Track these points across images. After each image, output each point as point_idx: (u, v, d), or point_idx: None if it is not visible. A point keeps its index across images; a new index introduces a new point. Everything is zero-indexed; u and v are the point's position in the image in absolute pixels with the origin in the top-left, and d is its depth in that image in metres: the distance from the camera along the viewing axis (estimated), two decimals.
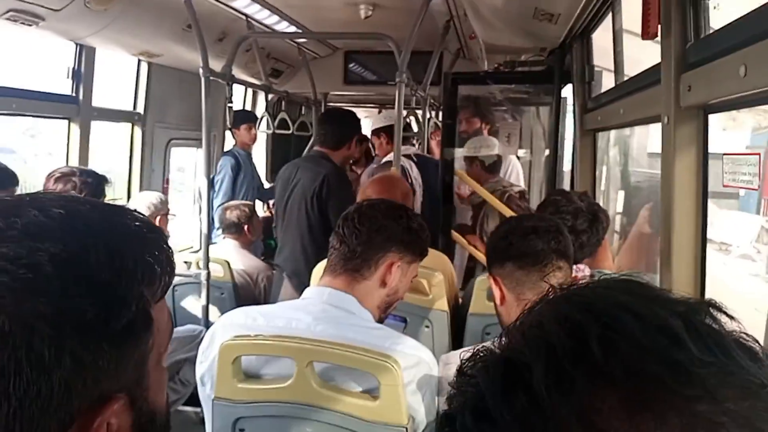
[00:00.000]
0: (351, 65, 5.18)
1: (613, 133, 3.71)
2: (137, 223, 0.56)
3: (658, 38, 1.51)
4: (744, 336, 0.40)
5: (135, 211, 0.58)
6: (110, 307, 0.50)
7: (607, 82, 2.70)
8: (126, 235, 0.54)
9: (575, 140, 2.87)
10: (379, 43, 4.69)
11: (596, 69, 2.78)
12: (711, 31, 1.31)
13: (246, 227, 3.33)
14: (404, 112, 3.22)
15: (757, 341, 0.40)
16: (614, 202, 3.82)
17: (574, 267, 2.03)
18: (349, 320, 1.39)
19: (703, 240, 1.42)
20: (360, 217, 1.48)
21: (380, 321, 1.50)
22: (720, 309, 0.41)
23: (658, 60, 1.77)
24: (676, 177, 1.44)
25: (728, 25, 1.18)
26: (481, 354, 0.43)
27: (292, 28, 4.09)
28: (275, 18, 3.87)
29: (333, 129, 3.03)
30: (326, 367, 1.31)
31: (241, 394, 1.30)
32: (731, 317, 0.41)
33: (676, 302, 0.41)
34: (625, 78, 2.17)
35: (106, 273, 0.50)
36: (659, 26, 1.47)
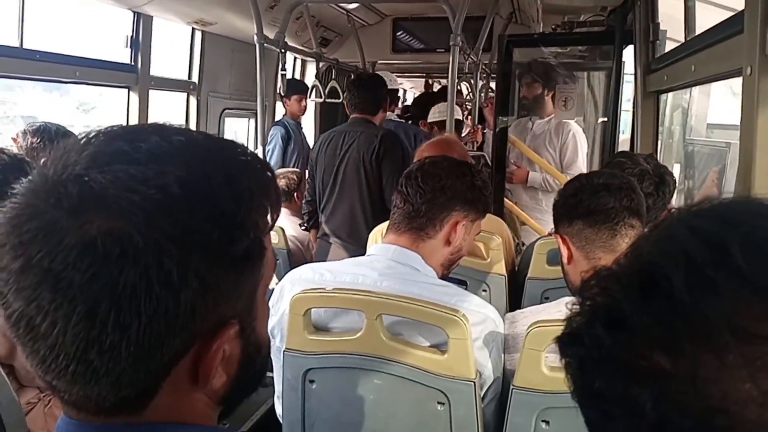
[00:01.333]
0: (398, 33, 5.12)
1: (670, 101, 3.57)
2: (249, 157, 0.57)
3: None
4: None
5: (244, 145, 0.59)
6: (232, 232, 0.51)
7: (668, 45, 2.59)
8: (241, 166, 0.55)
9: (636, 103, 2.76)
10: (427, 8, 4.63)
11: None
12: None
13: (295, 194, 3.36)
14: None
15: None
16: (674, 170, 3.70)
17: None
18: (414, 276, 1.39)
19: None
20: (423, 175, 1.47)
21: (443, 278, 1.50)
22: None
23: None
24: (758, 133, 1.36)
25: None
26: (605, 273, 0.41)
27: None
28: None
29: (369, 94, 3.03)
30: (394, 321, 1.32)
31: (311, 346, 1.32)
32: None
33: None
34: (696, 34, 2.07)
35: (227, 199, 0.51)
36: None
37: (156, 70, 3.44)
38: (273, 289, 1.46)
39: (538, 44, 3.45)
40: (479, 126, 4.71)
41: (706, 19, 2.01)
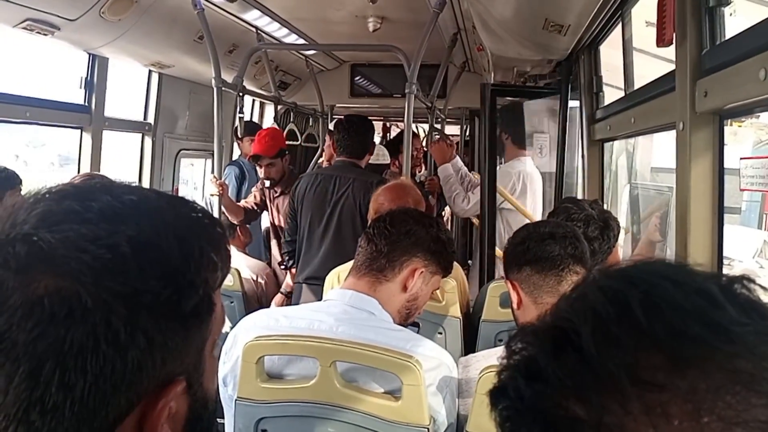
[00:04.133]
0: (357, 78, 5.23)
1: (616, 147, 3.74)
2: (199, 214, 0.58)
3: (672, 47, 1.53)
4: None
5: (194, 202, 0.60)
6: (181, 290, 0.51)
7: (610, 94, 2.74)
8: (192, 224, 0.56)
9: (582, 151, 2.90)
10: (384, 56, 4.77)
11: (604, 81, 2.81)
12: (728, 37, 1.34)
13: (237, 229, 3.36)
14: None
15: None
16: (620, 214, 3.84)
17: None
18: (370, 322, 1.40)
19: (720, 246, 1.43)
20: (392, 219, 1.51)
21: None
22: (754, 281, 0.43)
23: (660, 73, 1.81)
24: (692, 184, 1.45)
25: (748, 29, 1.20)
26: (527, 329, 0.44)
27: (302, 41, 4.14)
28: (285, 31, 3.92)
29: (359, 138, 3.03)
30: (348, 367, 1.32)
31: (263, 394, 1.31)
32: (765, 289, 0.43)
33: (711, 274, 0.43)
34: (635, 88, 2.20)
35: (177, 258, 0.52)
36: (674, 34, 1.50)
37: (111, 110, 3.41)
38: (227, 334, 1.45)
39: (517, 95, 3.59)
40: (435, 176, 4.81)
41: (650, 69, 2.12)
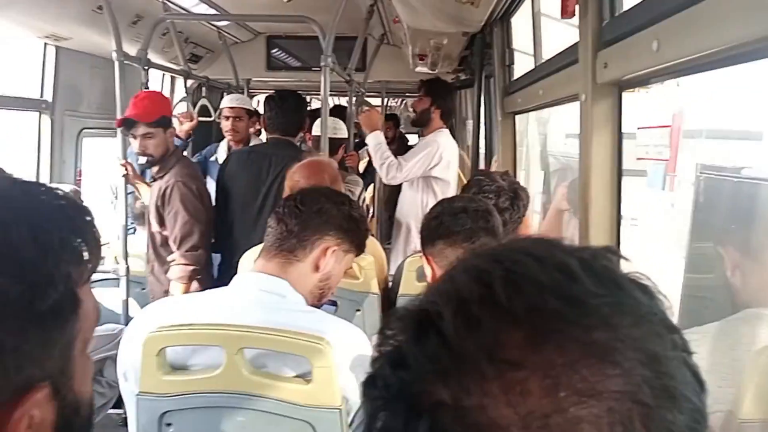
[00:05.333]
0: (274, 51, 5.06)
1: (533, 115, 3.82)
2: (61, 201, 0.52)
3: (576, 18, 1.55)
4: (638, 274, 0.43)
5: (57, 188, 0.54)
6: (35, 286, 0.46)
7: (527, 65, 2.78)
8: (50, 212, 0.51)
9: (496, 123, 2.94)
10: (301, 27, 4.62)
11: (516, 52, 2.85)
12: (625, 9, 1.36)
13: None
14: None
15: (650, 279, 0.43)
16: (535, 182, 3.95)
17: None
18: (280, 304, 1.36)
19: (618, 213, 1.48)
20: (302, 197, 1.47)
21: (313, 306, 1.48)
22: (616, 253, 0.44)
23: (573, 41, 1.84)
24: (593, 153, 1.49)
25: (643, 2, 1.22)
26: (397, 313, 0.43)
27: (213, 11, 3.94)
28: (194, 0, 3.72)
29: (293, 115, 2.93)
30: (258, 353, 1.28)
31: (167, 387, 1.24)
32: (626, 259, 0.45)
33: (575, 248, 0.43)
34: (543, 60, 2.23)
35: (30, 250, 0.47)
36: (577, 6, 1.51)
37: (2, 88, 3.13)
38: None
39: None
40: (354, 152, 4.76)
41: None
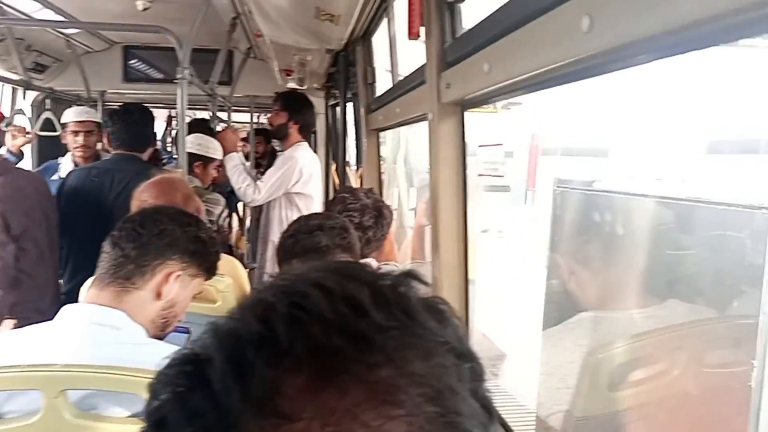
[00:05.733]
0: (132, 61, 4.76)
1: (403, 131, 3.92)
2: None
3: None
4: (435, 300, 0.41)
5: None
6: None
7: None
8: None
9: (361, 140, 2.97)
10: (160, 38, 4.39)
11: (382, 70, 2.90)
12: (463, 32, 1.42)
13: None
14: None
15: (447, 304, 0.41)
16: (410, 198, 4.05)
17: (362, 262, 2.09)
18: (114, 338, 1.24)
19: (464, 224, 1.53)
20: (142, 219, 1.36)
21: (157, 338, 1.37)
22: (416, 277, 0.42)
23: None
24: (440, 169, 1.53)
25: (475, 26, 1.28)
26: (173, 360, 0.38)
27: (58, 18, 3.62)
28: (36, 5, 3.40)
29: (137, 128, 2.79)
30: (86, 394, 1.15)
31: None
32: (425, 284, 0.42)
33: (374, 277, 0.41)
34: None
35: None
36: (422, 28, 1.55)
37: None
38: None
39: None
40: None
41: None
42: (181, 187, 2.18)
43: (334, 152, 4.09)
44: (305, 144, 3.40)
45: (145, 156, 2.81)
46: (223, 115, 4.84)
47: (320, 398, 0.34)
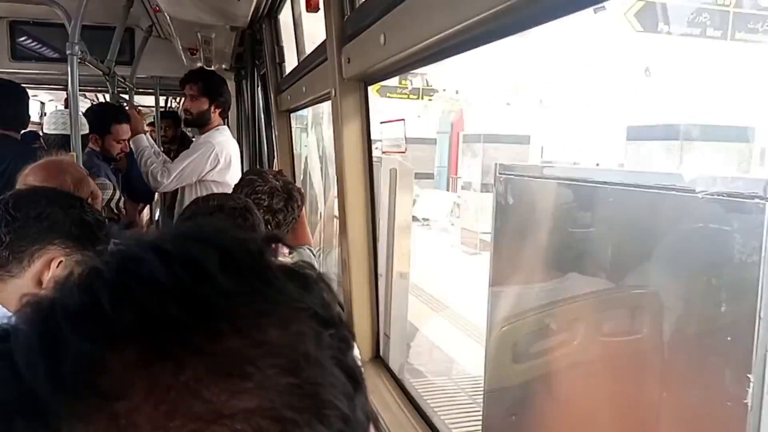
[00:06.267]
0: (20, 38, 4.39)
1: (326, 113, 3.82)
2: None
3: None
4: (299, 265, 0.38)
5: None
6: None
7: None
8: None
9: (272, 121, 2.88)
10: (50, 12, 4.06)
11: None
12: (360, 3, 1.38)
13: None
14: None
15: (313, 269, 0.38)
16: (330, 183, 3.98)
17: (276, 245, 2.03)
18: None
19: (371, 201, 1.51)
20: (17, 201, 1.22)
21: None
22: (279, 240, 0.38)
23: None
24: (345, 148, 1.50)
25: None
26: None
27: None
28: None
29: (11, 106, 2.63)
30: None
31: None
32: (290, 248, 0.39)
33: (229, 239, 0.36)
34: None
35: None
36: (322, 1, 1.51)
37: None
38: None
39: None
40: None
41: None
42: (70, 169, 2.02)
43: (246, 136, 3.96)
44: (225, 128, 3.13)
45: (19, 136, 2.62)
46: (128, 99, 4.57)
47: (151, 374, 0.30)
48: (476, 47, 0.95)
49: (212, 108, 3.09)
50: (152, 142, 3.36)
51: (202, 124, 3.13)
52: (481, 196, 10.26)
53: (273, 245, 0.39)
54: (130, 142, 3.18)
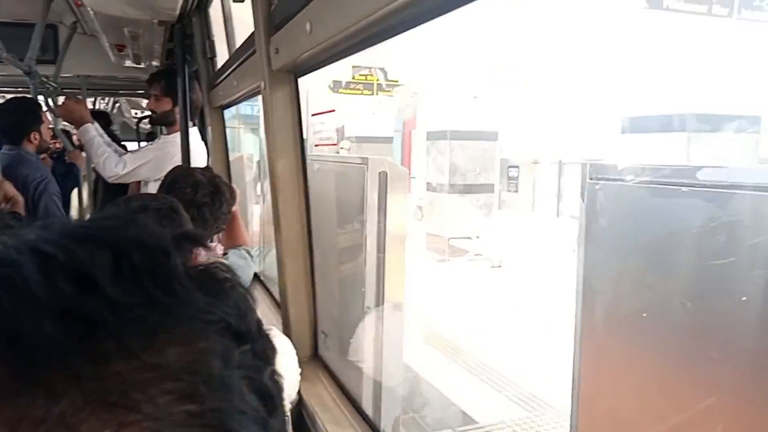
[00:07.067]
0: None
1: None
2: None
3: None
4: (213, 268, 0.33)
5: None
6: None
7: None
8: None
9: (206, 117, 2.79)
10: None
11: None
12: None
13: None
14: None
15: (230, 272, 0.34)
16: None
17: (209, 245, 1.96)
18: None
19: (306, 195, 1.47)
20: None
21: None
22: (194, 240, 0.33)
23: None
24: (276, 144, 1.45)
25: None
26: None
27: None
28: None
29: None
30: None
31: None
32: (206, 247, 0.34)
33: (127, 238, 0.31)
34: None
35: None
36: None
37: None
38: None
39: None
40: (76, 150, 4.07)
41: None
42: None
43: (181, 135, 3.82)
44: (194, 130, 2.93)
45: None
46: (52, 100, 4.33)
47: (18, 405, 0.25)
48: (404, 31, 0.92)
49: (176, 109, 2.91)
50: (101, 131, 3.15)
51: (168, 123, 2.93)
52: (450, 197, 9.89)
53: (186, 245, 0.34)
54: (79, 132, 2.97)
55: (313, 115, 1.35)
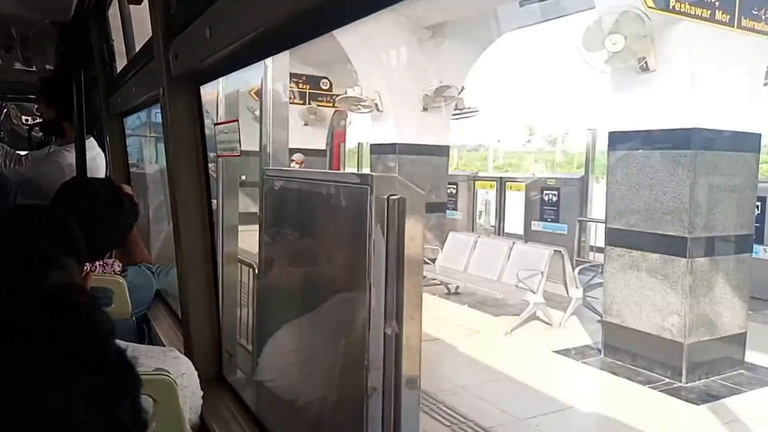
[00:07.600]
0: None
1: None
2: None
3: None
4: (66, 291, 0.30)
5: None
6: None
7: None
8: None
9: (104, 125, 2.63)
10: None
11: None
12: None
13: None
14: None
15: (87, 295, 0.32)
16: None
17: (106, 262, 1.83)
18: None
19: (209, 211, 1.41)
20: None
21: None
22: (48, 261, 0.34)
23: None
24: (177, 154, 1.38)
25: None
26: None
27: None
28: None
29: None
30: None
31: None
32: (60, 268, 0.31)
33: None
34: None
35: None
36: None
37: None
38: None
39: None
40: None
41: None
42: None
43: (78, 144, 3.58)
44: (91, 140, 2.67)
45: None
46: None
47: None
48: (308, 40, 0.90)
49: (61, 119, 2.66)
50: None
51: (58, 134, 2.70)
52: None
53: (40, 267, 0.30)
54: None
55: (215, 124, 1.30)
